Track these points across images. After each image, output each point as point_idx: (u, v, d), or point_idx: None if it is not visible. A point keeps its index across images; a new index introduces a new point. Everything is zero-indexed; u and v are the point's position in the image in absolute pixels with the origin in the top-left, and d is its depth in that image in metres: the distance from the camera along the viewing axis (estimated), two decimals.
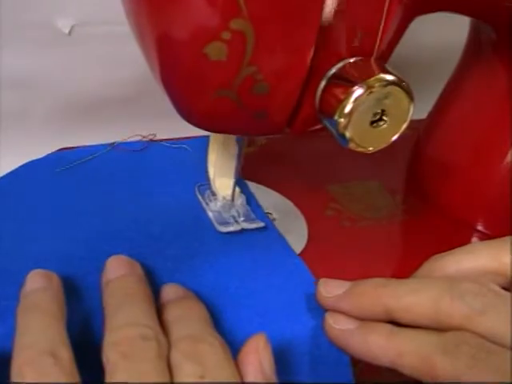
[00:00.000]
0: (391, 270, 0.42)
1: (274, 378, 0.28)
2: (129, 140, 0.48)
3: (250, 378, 0.27)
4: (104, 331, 0.29)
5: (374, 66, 0.32)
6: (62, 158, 0.46)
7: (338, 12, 0.31)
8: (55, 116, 0.52)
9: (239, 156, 0.40)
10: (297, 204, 0.45)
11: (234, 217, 0.41)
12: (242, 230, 0.40)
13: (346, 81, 0.32)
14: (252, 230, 0.40)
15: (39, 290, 0.31)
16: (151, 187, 0.44)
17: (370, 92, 0.31)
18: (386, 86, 0.31)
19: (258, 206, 0.43)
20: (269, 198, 0.44)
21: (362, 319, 0.32)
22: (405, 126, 0.32)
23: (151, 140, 0.49)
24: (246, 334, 0.30)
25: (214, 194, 0.42)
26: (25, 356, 0.26)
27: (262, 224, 0.40)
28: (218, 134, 0.40)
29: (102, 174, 0.45)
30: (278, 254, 0.39)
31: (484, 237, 0.46)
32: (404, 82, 0.32)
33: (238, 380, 0.27)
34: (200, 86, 0.32)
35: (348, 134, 0.32)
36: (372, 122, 0.32)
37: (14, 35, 0.47)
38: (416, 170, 0.51)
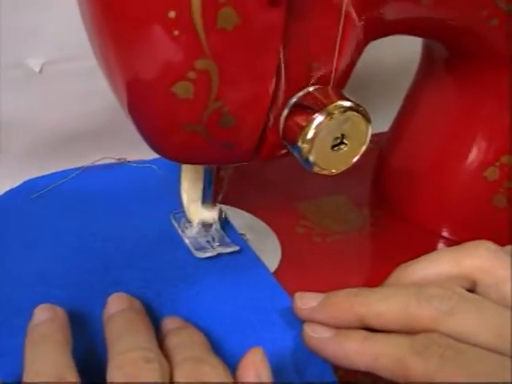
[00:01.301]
0: (363, 280, 0.43)
1: None
2: (98, 163, 0.50)
3: None
4: (108, 358, 0.30)
5: (332, 94, 0.34)
6: (35, 184, 0.48)
7: (294, 44, 0.32)
8: (31, 152, 0.53)
9: (214, 183, 0.41)
10: (268, 223, 0.47)
11: (209, 242, 0.43)
12: (219, 255, 0.42)
13: (306, 108, 0.34)
14: (228, 253, 0.42)
15: (47, 321, 0.33)
16: (126, 210, 0.47)
17: (330, 118, 0.33)
18: (344, 111, 0.33)
19: (232, 229, 0.44)
20: (241, 219, 0.46)
21: (338, 327, 0.34)
22: (364, 147, 0.34)
23: (119, 160, 0.50)
24: (235, 353, 0.32)
25: (188, 220, 0.44)
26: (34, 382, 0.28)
27: (236, 248, 0.42)
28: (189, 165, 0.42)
29: (76, 197, 0.47)
30: (253, 275, 0.41)
31: (450, 242, 0.48)
32: (361, 106, 0.34)
33: None
34: (170, 122, 0.34)
35: (311, 159, 0.34)
36: (333, 146, 0.34)
37: None
38: (380, 183, 0.53)
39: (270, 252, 0.44)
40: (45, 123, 0.53)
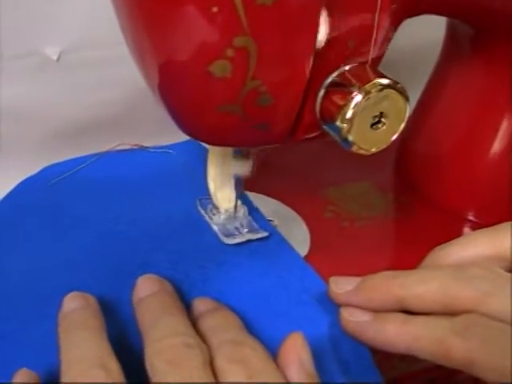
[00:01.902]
0: (393, 264, 0.43)
1: (316, 375, 0.29)
2: (115, 149, 0.49)
3: (294, 377, 0.28)
4: (144, 344, 0.29)
5: (370, 72, 0.33)
6: (53, 171, 0.47)
7: (331, 21, 0.32)
8: (47, 141, 0.52)
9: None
10: (295, 209, 0.46)
11: (237, 228, 0.42)
12: (248, 241, 0.41)
13: (344, 87, 0.33)
14: (257, 239, 0.41)
15: (78, 308, 0.32)
16: (148, 195, 0.46)
17: (368, 97, 0.32)
18: (382, 89, 0.33)
19: (260, 215, 0.44)
20: (268, 206, 0.46)
21: (375, 311, 0.33)
22: (403, 125, 0.34)
23: (135, 145, 0.50)
24: (273, 338, 0.31)
25: (216, 207, 0.43)
26: (76, 370, 0.27)
27: (265, 234, 0.42)
28: (216, 149, 0.41)
29: (95, 183, 0.47)
30: (285, 260, 0.40)
31: (475, 225, 0.47)
32: (398, 83, 0.33)
33: (284, 380, 0.28)
34: (204, 103, 0.33)
35: (351, 138, 0.33)
36: (372, 125, 0.33)
37: (2, 66, 0.48)
38: (404, 167, 0.53)
39: (298, 237, 0.43)
40: (61, 112, 0.52)
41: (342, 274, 0.36)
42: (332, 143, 0.36)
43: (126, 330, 0.34)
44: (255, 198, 0.46)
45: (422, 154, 0.51)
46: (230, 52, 0.30)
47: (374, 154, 0.35)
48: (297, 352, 0.29)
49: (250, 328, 0.33)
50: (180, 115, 0.35)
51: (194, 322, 0.32)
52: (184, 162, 0.49)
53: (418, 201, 0.50)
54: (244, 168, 0.41)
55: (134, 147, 0.50)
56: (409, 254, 0.40)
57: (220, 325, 0.32)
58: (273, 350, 0.30)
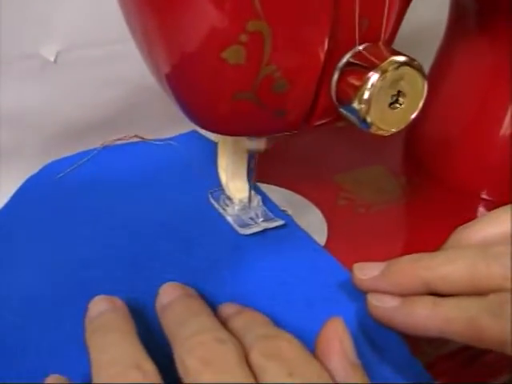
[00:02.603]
0: (412, 247, 0.42)
1: (360, 365, 0.28)
2: (116, 143, 0.49)
3: (336, 367, 0.27)
4: (173, 344, 0.28)
5: (384, 50, 0.33)
6: (55, 168, 0.46)
7: (344, 1, 0.31)
8: (49, 144, 0.51)
9: (251, 158, 0.40)
10: (308, 198, 0.45)
11: (252, 218, 0.41)
12: (264, 230, 0.40)
13: (359, 68, 0.32)
14: (273, 228, 0.40)
15: (106, 311, 0.31)
16: (157, 187, 0.45)
17: (385, 76, 0.32)
18: (398, 67, 0.32)
19: (274, 206, 0.43)
20: (281, 196, 0.45)
21: (402, 295, 0.32)
22: (422, 103, 0.33)
23: (136, 137, 0.49)
24: (304, 330, 0.30)
25: (229, 198, 0.42)
26: (111, 372, 0.26)
27: (282, 222, 0.41)
28: (227, 139, 0.40)
29: (100, 177, 0.46)
30: (304, 248, 0.39)
31: (490, 204, 0.47)
32: (415, 60, 0.32)
33: (325, 372, 0.27)
34: (218, 92, 0.32)
35: (369, 119, 0.32)
36: (390, 104, 0.33)
37: (0, 69, 0.47)
38: (414, 149, 0.52)
39: (315, 226, 0.42)
40: (62, 113, 0.51)
41: (363, 261, 0.35)
42: (340, 129, 0.35)
43: (150, 329, 0.33)
44: (266, 189, 0.45)
45: (431, 134, 0.50)
46: (243, 37, 0.29)
47: (383, 138, 0.34)
48: (338, 339, 0.28)
49: (277, 322, 0.32)
50: (192, 106, 0.34)
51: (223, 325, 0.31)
52: (187, 154, 0.49)
53: (430, 182, 0.49)
54: (260, 143, 0.39)
55: (135, 140, 0.50)
56: (427, 236, 0.40)
57: (249, 323, 0.30)
58: (304, 343, 0.29)
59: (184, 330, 0.28)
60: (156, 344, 0.30)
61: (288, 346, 0.27)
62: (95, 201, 0.43)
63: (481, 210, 0.47)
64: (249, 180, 0.41)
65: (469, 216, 0.44)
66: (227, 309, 0.33)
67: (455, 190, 0.48)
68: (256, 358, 0.27)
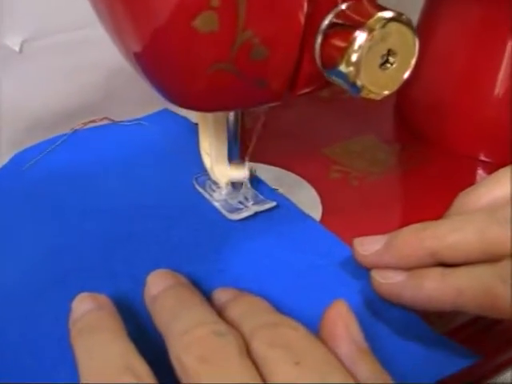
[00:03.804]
0: (413, 217, 0.40)
1: (366, 346, 0.26)
2: (87, 127, 0.47)
3: (343, 351, 0.25)
4: (167, 340, 0.26)
5: (369, 7, 0.30)
6: (24, 157, 0.44)
7: None
8: (21, 136, 0.49)
9: (240, 136, 0.37)
10: (299, 174, 0.43)
11: (241, 202, 0.39)
12: (256, 214, 0.38)
13: (343, 28, 0.30)
14: (265, 211, 0.38)
15: (91, 310, 0.28)
16: (133, 173, 0.43)
17: (372, 35, 0.29)
18: (386, 24, 0.29)
19: (264, 185, 0.41)
20: (270, 175, 0.42)
21: (408, 269, 0.31)
22: (414, 60, 0.31)
23: (106, 119, 0.47)
24: (308, 314, 0.28)
25: (214, 182, 0.40)
26: (102, 378, 0.24)
27: (273, 203, 0.38)
28: (208, 119, 0.37)
29: (71, 162, 0.44)
30: (300, 227, 0.37)
31: (488, 166, 0.45)
32: (403, 14, 0.30)
33: (335, 360, 0.24)
34: (193, 65, 0.29)
35: (359, 83, 0.30)
36: (380, 65, 0.30)
37: None
38: (406, 115, 0.50)
39: (308, 203, 0.40)
40: (31, 104, 0.49)
41: (362, 235, 0.33)
42: (324, 99, 0.33)
43: (139, 322, 0.31)
44: (254, 167, 0.42)
45: (423, 97, 0.48)
46: (214, 1, 0.27)
47: (372, 106, 0.32)
48: (344, 324, 0.26)
49: (279, 308, 0.30)
50: (167, 84, 0.31)
51: (219, 315, 0.28)
52: (161, 135, 0.46)
53: (425, 148, 0.47)
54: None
55: (105, 122, 0.47)
56: (427, 204, 0.40)
57: (248, 311, 0.28)
58: (310, 327, 0.26)
59: (178, 324, 0.26)
60: (148, 339, 0.29)
61: (293, 332, 0.25)
62: (67, 188, 0.41)
63: (480, 172, 0.46)
64: (242, 157, 0.39)
65: (468, 180, 0.43)
66: (223, 295, 0.30)
67: (452, 154, 0.46)
68: (259, 347, 0.25)
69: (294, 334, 0.25)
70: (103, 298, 0.30)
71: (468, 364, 0.29)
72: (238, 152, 0.38)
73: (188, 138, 0.44)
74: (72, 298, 0.30)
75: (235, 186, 0.39)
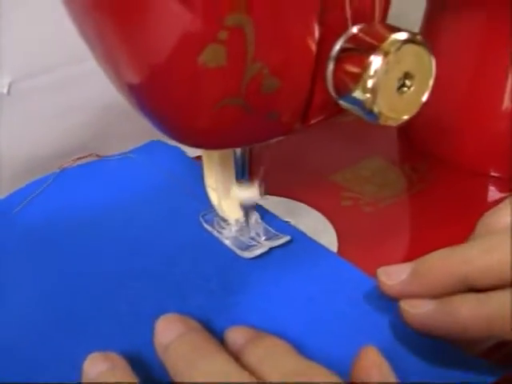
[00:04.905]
0: (433, 240, 0.38)
1: None
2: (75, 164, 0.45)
3: None
4: None
5: (381, 29, 0.28)
6: (13, 200, 0.42)
7: None
8: (12, 180, 0.46)
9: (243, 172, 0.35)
10: (309, 203, 0.41)
11: (253, 238, 0.37)
12: (270, 250, 0.36)
13: (356, 53, 0.28)
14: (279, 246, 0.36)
15: (106, 371, 0.26)
16: (133, 211, 0.41)
17: (388, 58, 0.27)
18: (401, 46, 0.28)
19: (275, 218, 0.39)
20: (280, 207, 0.40)
21: (437, 296, 0.29)
22: (432, 81, 0.29)
23: (92, 156, 0.46)
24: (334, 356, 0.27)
25: (223, 219, 0.38)
26: None
27: (288, 237, 0.37)
28: (213, 155, 0.35)
29: (66, 202, 0.42)
30: (319, 260, 0.35)
31: (499, 181, 0.44)
32: (417, 34, 0.28)
33: None
34: (199, 101, 0.28)
35: (377, 109, 0.28)
36: (397, 89, 0.28)
37: None
38: (412, 134, 0.48)
39: (323, 233, 0.39)
40: (21, 146, 0.47)
41: (380, 263, 0.32)
42: (325, 125, 0.31)
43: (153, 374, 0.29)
44: (262, 201, 0.40)
45: (429, 113, 0.46)
46: (222, 35, 0.25)
47: (375, 125, 0.30)
48: (379, 373, 0.25)
49: (303, 350, 0.28)
50: (170, 121, 0.30)
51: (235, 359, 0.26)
52: (152, 166, 0.44)
53: (434, 167, 0.46)
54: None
55: (92, 158, 0.46)
56: (444, 224, 0.38)
57: (269, 354, 0.26)
58: (336, 368, 0.25)
59: (195, 374, 0.25)
60: None
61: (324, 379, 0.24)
62: (64, 229, 0.39)
63: (492, 188, 0.44)
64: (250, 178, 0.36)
65: (483, 195, 0.41)
66: (238, 337, 0.28)
67: (462, 171, 0.45)
68: None
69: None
70: (115, 357, 0.28)
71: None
72: (245, 172, 0.36)
73: (181, 169, 0.42)
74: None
75: (246, 215, 0.37)
